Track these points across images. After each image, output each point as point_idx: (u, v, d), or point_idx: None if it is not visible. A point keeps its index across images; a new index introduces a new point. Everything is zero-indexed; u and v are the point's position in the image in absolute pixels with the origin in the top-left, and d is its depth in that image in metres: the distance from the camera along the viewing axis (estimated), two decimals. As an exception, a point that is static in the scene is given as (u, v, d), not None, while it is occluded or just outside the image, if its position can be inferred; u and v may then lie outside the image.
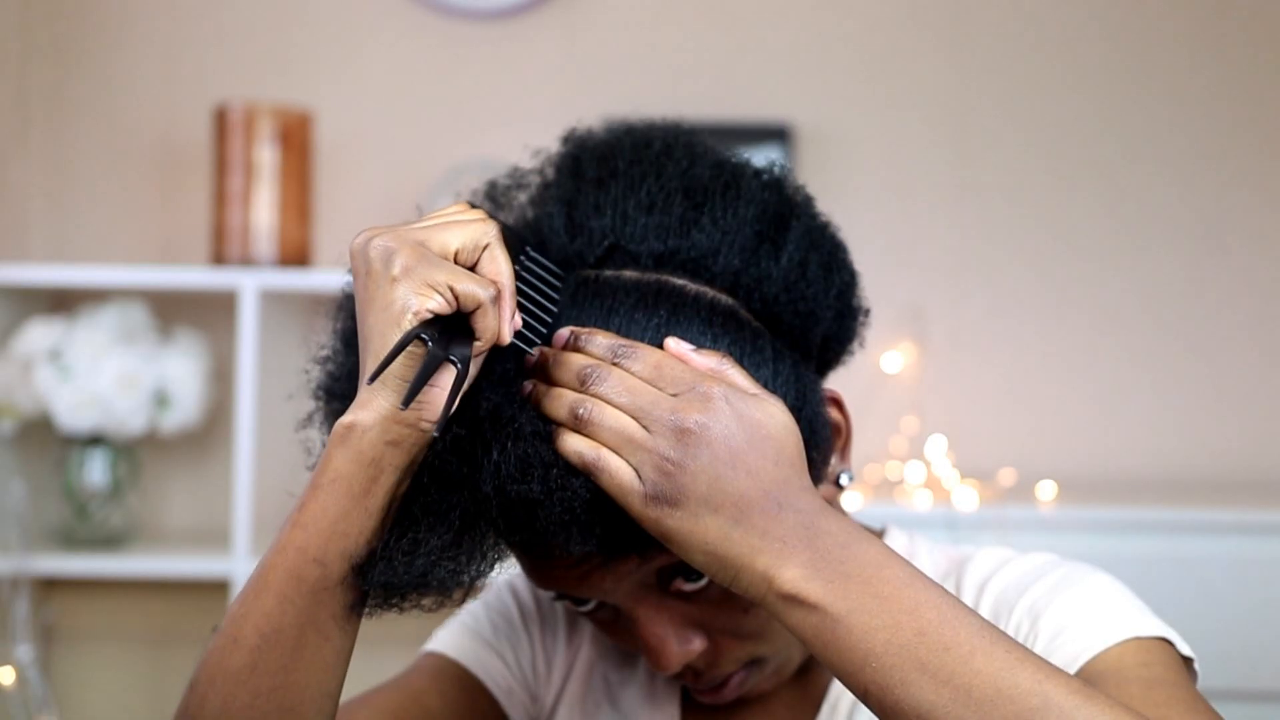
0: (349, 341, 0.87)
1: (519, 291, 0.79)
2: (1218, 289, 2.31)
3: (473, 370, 0.75)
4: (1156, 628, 0.85)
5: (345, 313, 0.88)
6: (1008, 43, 2.34)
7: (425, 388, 0.73)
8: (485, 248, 0.76)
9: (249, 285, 2.06)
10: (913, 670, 0.69)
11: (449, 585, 0.77)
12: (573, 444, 0.75)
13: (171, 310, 2.28)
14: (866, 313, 0.91)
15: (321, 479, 0.75)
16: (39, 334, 2.08)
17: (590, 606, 0.87)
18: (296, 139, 2.15)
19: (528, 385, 0.78)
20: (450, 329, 0.74)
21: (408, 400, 0.71)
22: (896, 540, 0.98)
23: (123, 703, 2.33)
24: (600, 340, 0.78)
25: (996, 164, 2.34)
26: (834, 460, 0.89)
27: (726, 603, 0.83)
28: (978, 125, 2.34)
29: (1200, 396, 2.31)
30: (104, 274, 2.10)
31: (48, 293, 2.27)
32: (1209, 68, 2.33)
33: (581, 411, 0.75)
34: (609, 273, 0.83)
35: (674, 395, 0.75)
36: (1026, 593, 0.89)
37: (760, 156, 0.90)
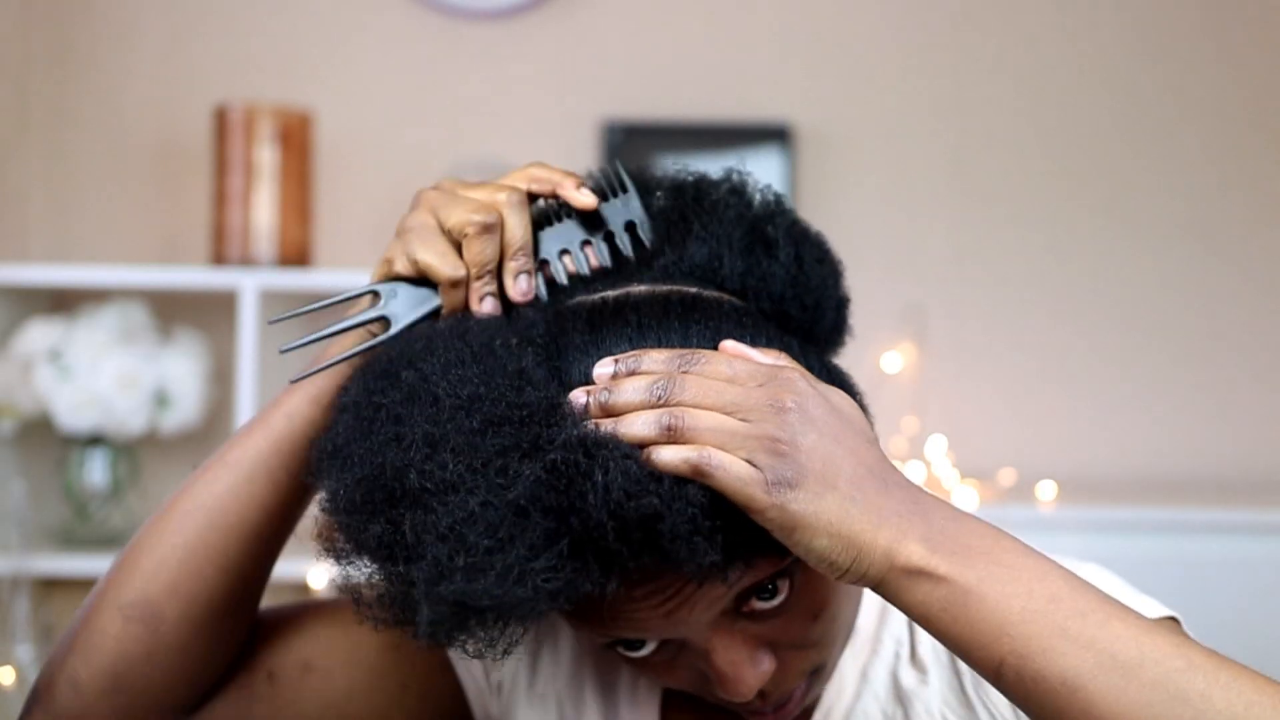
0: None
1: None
2: (1217, 289, 2.31)
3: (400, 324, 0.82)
4: (1163, 608, 0.85)
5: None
6: (1007, 43, 2.34)
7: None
8: (465, 236, 0.81)
9: (249, 285, 2.06)
10: (1054, 637, 0.67)
11: (538, 611, 0.70)
12: (672, 453, 0.70)
13: (171, 310, 2.28)
14: (850, 301, 0.90)
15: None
16: (39, 334, 2.08)
17: (649, 649, 0.81)
18: (296, 139, 2.15)
19: (590, 425, 0.71)
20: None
21: (298, 377, 0.84)
22: None
23: (123, 703, 2.33)
24: (657, 356, 0.74)
25: (996, 164, 2.34)
26: None
27: (796, 613, 0.80)
28: (978, 125, 2.34)
29: (1200, 397, 2.31)
30: (104, 274, 2.10)
31: (48, 293, 2.27)
32: (1209, 68, 2.33)
33: (671, 420, 0.70)
34: (613, 293, 0.80)
35: (759, 386, 0.72)
36: None
37: (714, 166, 0.88)
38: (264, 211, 2.12)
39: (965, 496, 2.07)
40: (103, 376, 2.05)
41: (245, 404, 2.06)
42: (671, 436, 0.70)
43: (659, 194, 0.85)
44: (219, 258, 2.13)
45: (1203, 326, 2.31)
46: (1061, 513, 1.99)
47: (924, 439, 2.25)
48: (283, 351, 0.83)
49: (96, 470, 2.16)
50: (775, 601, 0.79)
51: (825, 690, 0.91)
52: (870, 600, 0.92)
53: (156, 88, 2.35)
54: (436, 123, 2.35)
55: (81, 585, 2.29)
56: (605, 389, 0.73)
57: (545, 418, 0.71)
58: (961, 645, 0.69)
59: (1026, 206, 2.33)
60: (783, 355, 0.77)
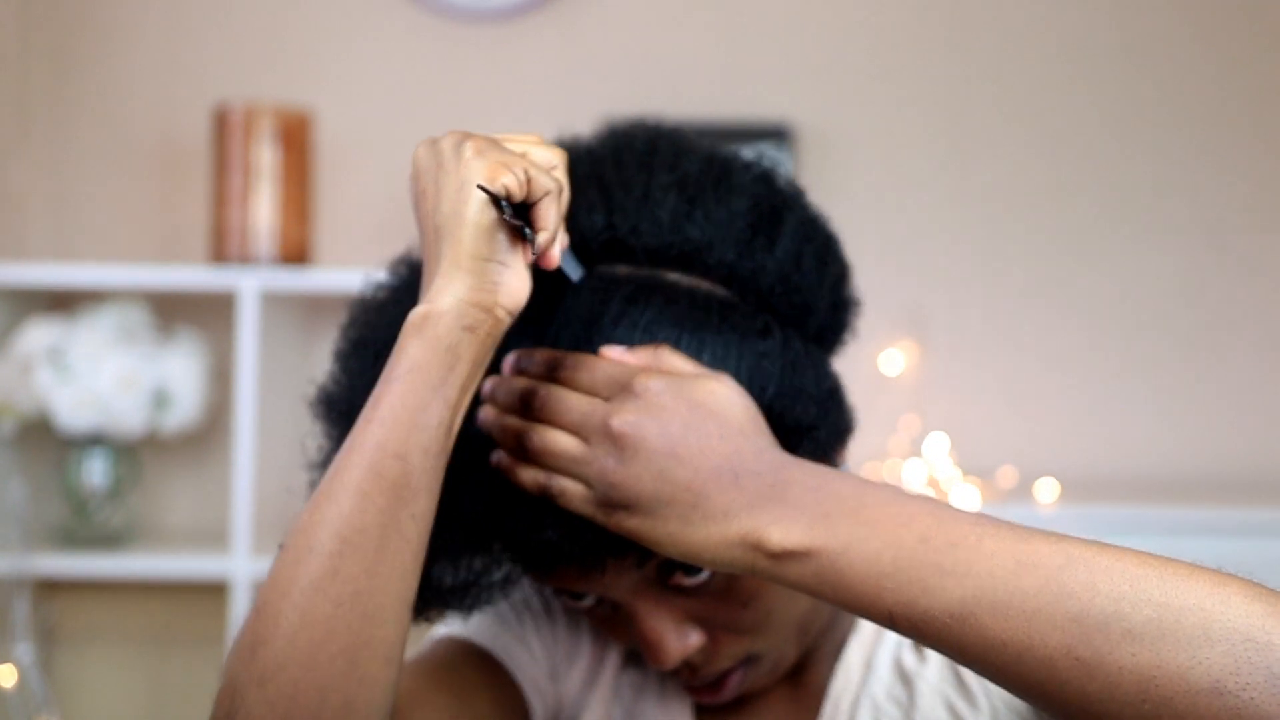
0: (346, 363, 0.88)
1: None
2: (1218, 289, 2.31)
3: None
4: None
5: (346, 331, 0.89)
6: (1008, 43, 2.34)
7: (500, 267, 0.75)
8: (554, 167, 0.79)
9: (249, 285, 2.06)
10: (931, 575, 0.69)
11: (485, 602, 0.86)
12: (527, 474, 0.79)
13: (171, 310, 2.28)
14: (858, 305, 0.92)
15: (396, 371, 0.74)
16: (39, 334, 2.08)
17: (589, 602, 0.87)
18: (296, 139, 2.15)
19: (480, 413, 0.81)
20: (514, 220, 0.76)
21: (538, 252, 0.75)
22: None
23: (123, 703, 2.33)
24: (538, 359, 0.80)
25: (996, 164, 2.34)
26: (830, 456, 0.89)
27: (726, 597, 0.83)
28: (977, 125, 2.34)
29: (1200, 396, 2.31)
30: (104, 274, 2.10)
31: (48, 293, 2.27)
32: (1209, 68, 2.33)
33: (526, 442, 0.79)
34: (602, 268, 0.84)
35: (608, 400, 0.77)
36: None
37: (749, 150, 0.90)
38: (264, 211, 2.12)
39: (965, 496, 2.07)
40: (103, 376, 2.05)
41: (245, 404, 2.06)
42: (526, 456, 0.79)
43: (689, 162, 0.87)
44: (219, 257, 2.13)
45: (1203, 325, 2.31)
46: (1062, 513, 1.99)
47: (924, 439, 2.25)
48: (480, 186, 0.75)
49: (96, 470, 2.16)
50: (699, 578, 0.83)
51: (833, 681, 0.93)
52: None
53: (156, 88, 2.35)
54: (436, 123, 2.35)
55: (81, 585, 2.30)
56: (499, 382, 0.81)
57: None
58: (850, 608, 0.72)
59: (1027, 206, 2.33)
60: (663, 347, 0.79)
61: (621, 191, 0.85)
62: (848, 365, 0.93)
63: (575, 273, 0.81)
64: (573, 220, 0.85)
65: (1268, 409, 2.31)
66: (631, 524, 0.75)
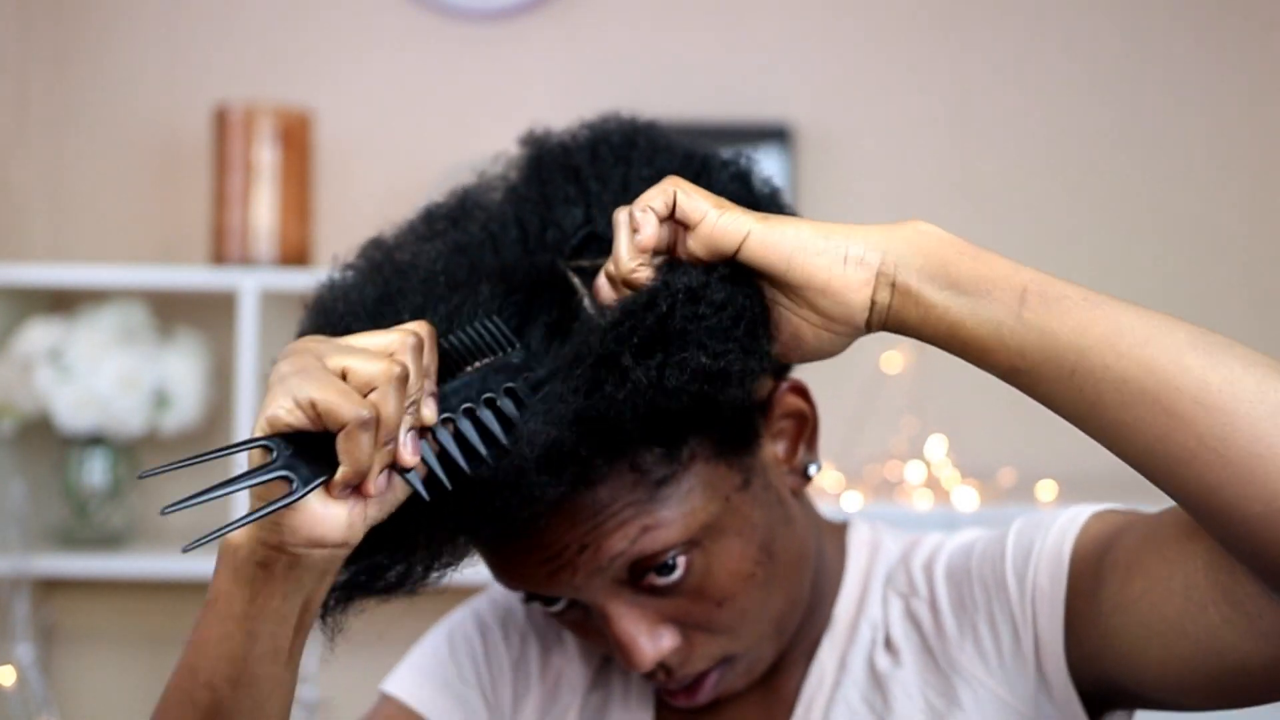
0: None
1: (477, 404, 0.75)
2: (1216, 291, 2.31)
3: (325, 504, 0.68)
4: (1101, 505, 0.89)
5: (311, 312, 0.91)
6: (1009, 43, 2.34)
7: (281, 510, 0.67)
8: (374, 389, 0.68)
9: (249, 285, 2.06)
10: (1070, 285, 0.76)
11: (408, 592, 0.78)
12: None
13: (171, 310, 2.28)
14: None
15: (207, 596, 0.71)
16: (39, 334, 2.08)
17: (560, 606, 0.86)
18: (296, 139, 2.15)
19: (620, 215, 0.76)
20: (320, 448, 0.67)
21: (190, 545, 0.66)
22: (860, 532, 0.97)
23: (123, 703, 2.33)
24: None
25: (997, 164, 2.34)
26: (801, 451, 0.89)
27: (699, 596, 0.83)
28: (978, 126, 2.34)
29: (1200, 396, 2.31)
30: (104, 274, 2.10)
31: (48, 293, 2.27)
32: (1210, 67, 2.33)
33: (668, 197, 0.76)
34: (585, 262, 0.83)
35: None
36: (974, 550, 0.92)
37: (728, 150, 0.90)
38: (264, 211, 2.12)
39: (965, 496, 2.07)
40: (103, 376, 2.05)
41: (245, 404, 2.06)
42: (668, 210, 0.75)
43: (666, 157, 0.87)
44: (219, 258, 2.13)
45: (1202, 325, 2.31)
46: (1061, 513, 1.99)
47: (924, 439, 2.25)
48: (146, 476, 0.70)
49: (96, 470, 2.16)
50: (673, 578, 0.81)
51: (806, 681, 0.92)
52: (849, 590, 0.94)
53: (156, 88, 2.35)
54: (436, 123, 2.35)
55: (81, 585, 2.30)
56: (633, 225, 0.76)
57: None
58: (973, 280, 0.75)
59: (1027, 206, 2.33)
60: None
61: (598, 185, 0.85)
62: (848, 365, 0.93)
63: (425, 491, 0.72)
64: (549, 214, 0.85)
65: (1268, 409, 2.31)
66: (754, 220, 0.74)
